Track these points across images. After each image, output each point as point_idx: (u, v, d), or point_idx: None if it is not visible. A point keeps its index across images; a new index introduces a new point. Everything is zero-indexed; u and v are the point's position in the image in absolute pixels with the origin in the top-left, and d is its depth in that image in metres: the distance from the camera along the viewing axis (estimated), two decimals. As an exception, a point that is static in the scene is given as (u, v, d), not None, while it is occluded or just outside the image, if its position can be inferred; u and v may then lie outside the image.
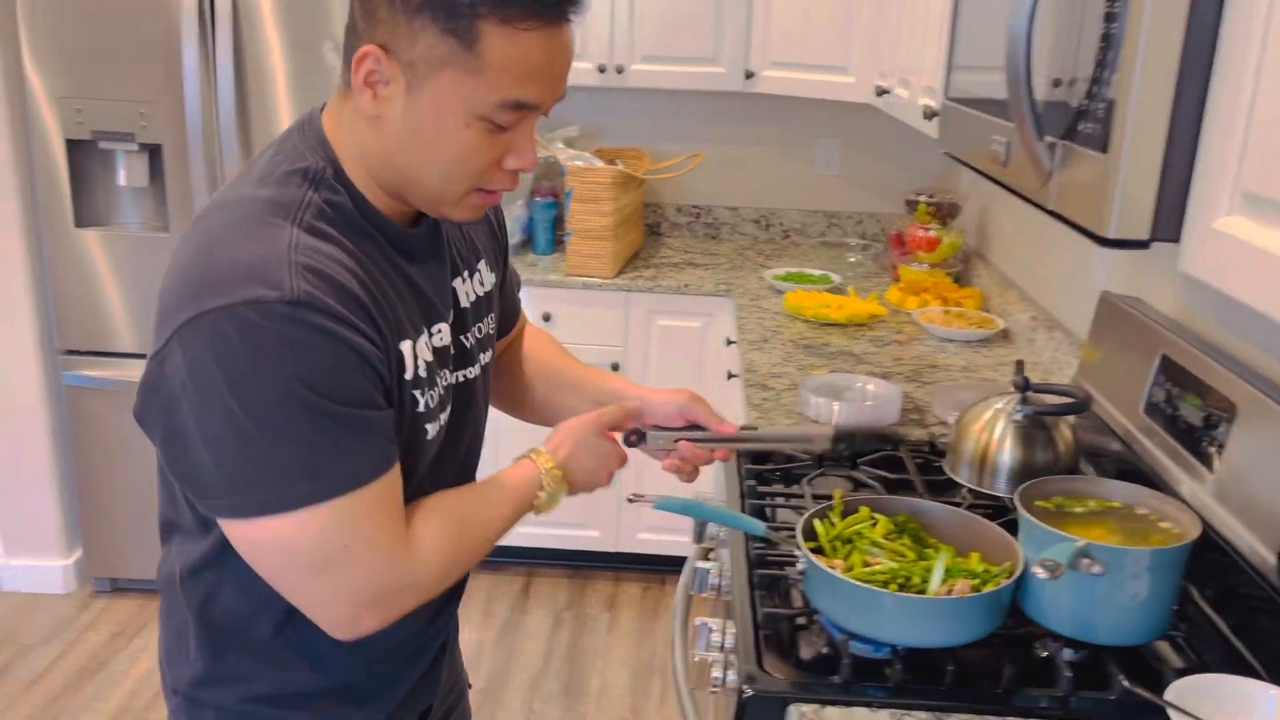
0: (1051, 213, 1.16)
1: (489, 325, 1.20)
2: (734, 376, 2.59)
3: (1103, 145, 1.01)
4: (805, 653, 1.23)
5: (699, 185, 3.51)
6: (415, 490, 1.04)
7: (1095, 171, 1.02)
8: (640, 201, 3.32)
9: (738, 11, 2.97)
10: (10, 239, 2.83)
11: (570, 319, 2.96)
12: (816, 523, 1.33)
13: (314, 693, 1.09)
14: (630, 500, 1.30)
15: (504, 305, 1.29)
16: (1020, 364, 1.55)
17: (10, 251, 2.83)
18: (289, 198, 0.95)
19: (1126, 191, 0.99)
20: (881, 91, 2.62)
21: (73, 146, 2.73)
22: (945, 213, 2.92)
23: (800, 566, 1.26)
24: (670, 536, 3.16)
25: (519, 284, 1.37)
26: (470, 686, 1.42)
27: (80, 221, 2.79)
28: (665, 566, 3.31)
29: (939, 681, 1.17)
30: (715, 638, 1.37)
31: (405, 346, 0.99)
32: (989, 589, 1.18)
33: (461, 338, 1.12)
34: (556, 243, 3.20)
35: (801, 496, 1.59)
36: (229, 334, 0.87)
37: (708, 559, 1.58)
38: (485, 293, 1.18)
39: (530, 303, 2.89)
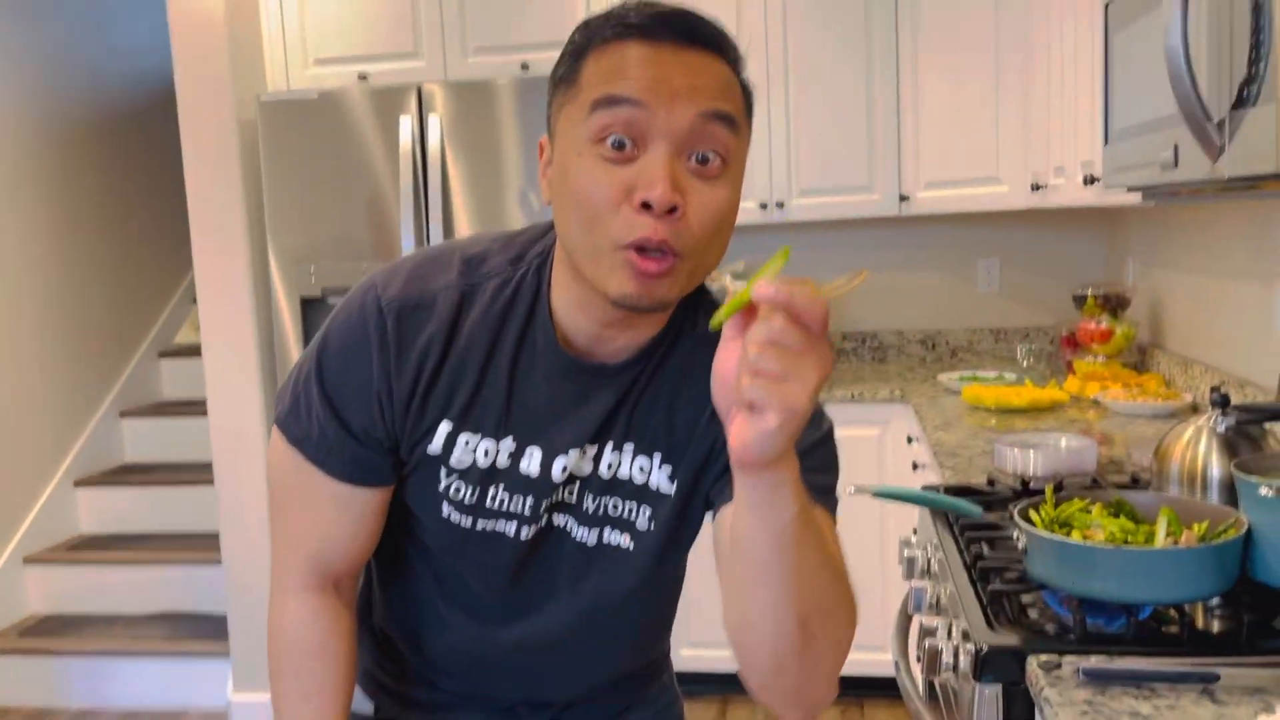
0: (1229, 185, 1.26)
1: (629, 511, 1.06)
2: (920, 467, 2.63)
3: (1271, 95, 1.12)
4: (1036, 625, 1.26)
5: (863, 311, 3.65)
6: (430, 570, 1.10)
7: (1267, 118, 1.12)
8: (808, 328, 3.46)
9: (889, 139, 3.20)
10: (250, 381, 3.20)
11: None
12: (1031, 511, 1.38)
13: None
14: (850, 492, 1.39)
15: None
16: (1216, 387, 1.59)
17: (248, 391, 3.20)
18: (490, 262, 1.03)
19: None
20: (1037, 187, 2.75)
21: (305, 304, 3.13)
22: (1115, 304, 2.96)
23: (1022, 544, 1.32)
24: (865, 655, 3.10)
25: None
26: None
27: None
28: (868, 691, 3.24)
29: (1179, 635, 1.18)
30: (940, 633, 1.42)
31: (444, 426, 1.01)
32: (1216, 542, 1.21)
33: (570, 488, 1.05)
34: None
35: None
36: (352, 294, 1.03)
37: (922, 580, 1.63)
38: (637, 484, 1.06)
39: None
